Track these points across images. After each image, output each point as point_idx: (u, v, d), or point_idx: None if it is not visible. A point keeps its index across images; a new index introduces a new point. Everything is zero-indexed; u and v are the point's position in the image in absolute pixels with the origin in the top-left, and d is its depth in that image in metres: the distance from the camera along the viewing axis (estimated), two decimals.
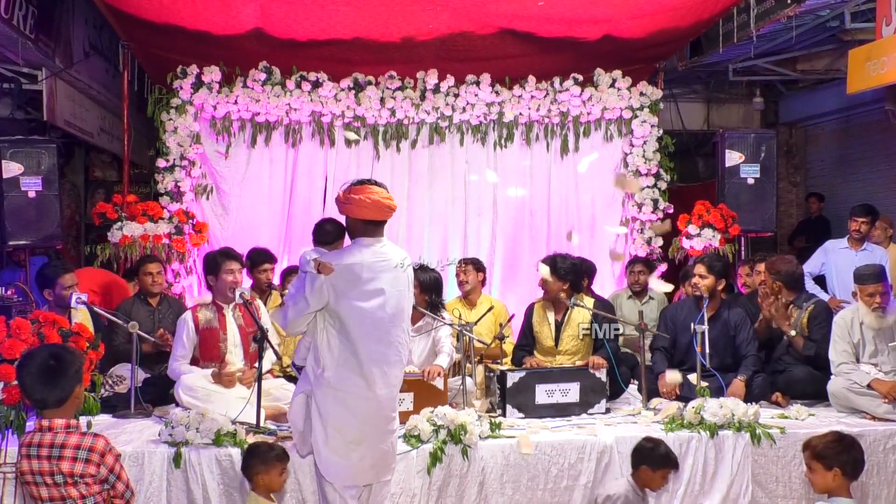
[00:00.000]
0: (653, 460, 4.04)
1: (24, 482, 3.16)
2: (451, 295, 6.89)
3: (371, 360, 3.84)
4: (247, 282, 5.89)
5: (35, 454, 3.08)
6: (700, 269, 5.54)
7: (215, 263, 5.20)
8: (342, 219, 4.09)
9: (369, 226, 3.92)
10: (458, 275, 6.53)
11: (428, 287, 5.50)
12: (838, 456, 3.47)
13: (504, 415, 4.97)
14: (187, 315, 5.19)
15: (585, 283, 6.21)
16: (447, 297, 6.83)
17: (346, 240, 4.18)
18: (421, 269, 5.57)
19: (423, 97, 7.35)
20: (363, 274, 3.82)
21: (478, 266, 6.59)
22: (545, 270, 5.57)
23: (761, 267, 6.14)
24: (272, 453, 3.80)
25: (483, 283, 6.60)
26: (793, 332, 5.57)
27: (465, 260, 6.67)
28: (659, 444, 4.14)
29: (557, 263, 5.59)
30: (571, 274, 5.61)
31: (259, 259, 6.12)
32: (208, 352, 5.11)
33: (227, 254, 5.28)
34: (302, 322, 3.87)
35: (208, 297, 5.34)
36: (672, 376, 5.29)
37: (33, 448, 3.09)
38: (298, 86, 7.18)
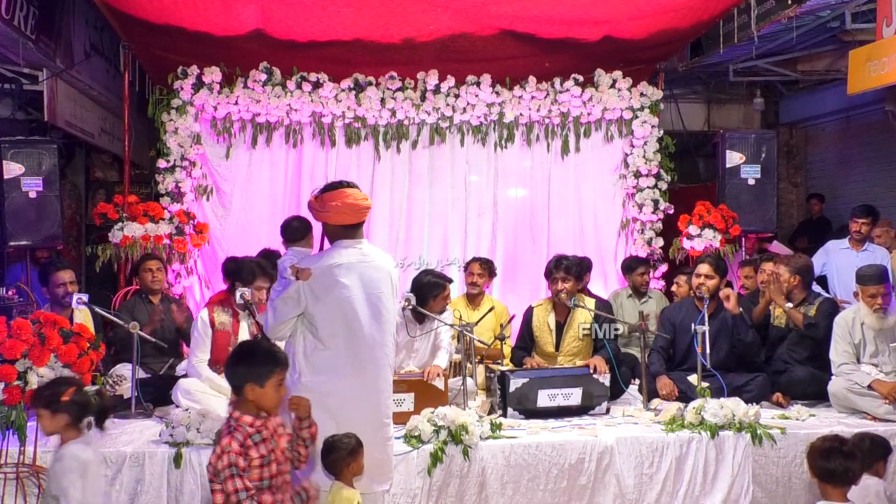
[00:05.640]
0: (882, 452, 3.97)
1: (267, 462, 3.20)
2: (453, 294, 6.89)
3: (350, 363, 3.81)
4: None
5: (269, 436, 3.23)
6: (706, 269, 5.51)
7: (252, 275, 5.06)
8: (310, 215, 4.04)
9: (348, 229, 3.89)
10: (470, 273, 6.53)
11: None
12: (814, 461, 3.48)
13: (505, 415, 4.96)
14: (203, 313, 5.14)
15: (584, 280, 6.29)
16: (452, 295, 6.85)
17: (316, 236, 4.11)
18: (423, 274, 5.67)
19: (423, 98, 7.35)
20: (341, 276, 3.80)
21: (492, 274, 6.64)
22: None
23: (767, 266, 6.12)
24: (352, 442, 3.73)
25: (487, 288, 6.66)
26: (789, 305, 5.57)
27: (483, 262, 6.62)
28: (864, 436, 4.01)
29: (573, 267, 5.63)
30: (577, 267, 5.73)
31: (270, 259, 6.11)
32: (217, 353, 5.06)
33: (265, 270, 5.10)
34: (283, 327, 3.86)
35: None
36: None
37: (266, 431, 3.22)
38: (299, 86, 7.18)
